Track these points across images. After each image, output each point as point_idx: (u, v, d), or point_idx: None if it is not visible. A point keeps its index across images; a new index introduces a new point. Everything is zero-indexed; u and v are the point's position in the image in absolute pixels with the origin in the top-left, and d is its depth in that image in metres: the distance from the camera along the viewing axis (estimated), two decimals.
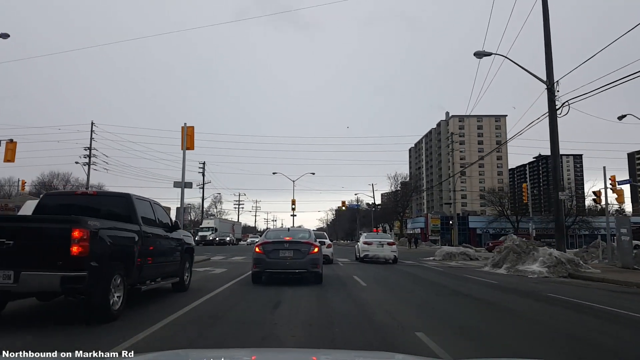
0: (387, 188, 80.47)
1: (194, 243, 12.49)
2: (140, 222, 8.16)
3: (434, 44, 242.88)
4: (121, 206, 8.27)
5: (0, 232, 6.22)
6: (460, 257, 29.03)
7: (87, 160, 58.33)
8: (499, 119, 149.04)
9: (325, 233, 24.80)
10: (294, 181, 63.36)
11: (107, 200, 8.88)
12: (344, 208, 63.91)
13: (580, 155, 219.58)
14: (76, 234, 6.19)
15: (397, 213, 73.47)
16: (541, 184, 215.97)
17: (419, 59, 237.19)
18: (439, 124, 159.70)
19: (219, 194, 78.39)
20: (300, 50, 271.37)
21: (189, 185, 20.18)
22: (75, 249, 6.16)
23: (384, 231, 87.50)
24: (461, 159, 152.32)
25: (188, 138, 19.94)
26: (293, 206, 61.09)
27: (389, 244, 24.62)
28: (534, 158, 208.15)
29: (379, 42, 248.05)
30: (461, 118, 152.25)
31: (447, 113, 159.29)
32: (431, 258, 29.26)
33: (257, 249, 12.50)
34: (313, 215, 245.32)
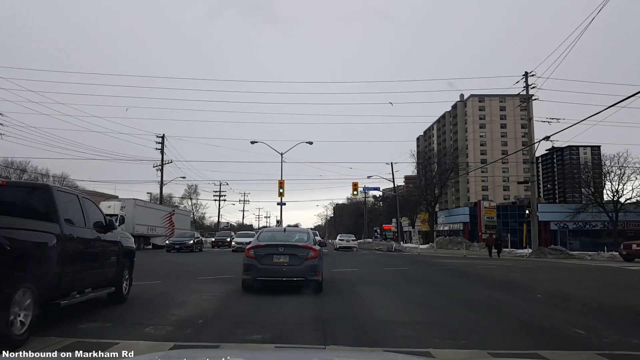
0: (388, 182, 60.77)
1: (134, 245, 9.79)
2: (61, 220, 6.45)
3: (435, 35, 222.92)
4: (38, 201, 6.64)
5: None
6: None
7: None
8: (525, 99, 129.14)
9: (317, 232, 24.65)
10: (282, 154, 43.24)
11: (20, 193, 7.02)
12: (355, 193, 44.44)
13: (599, 147, 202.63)
14: None
15: (428, 203, 53.61)
16: (556, 178, 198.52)
17: (422, 50, 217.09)
18: (454, 106, 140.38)
19: (184, 177, 57.10)
20: (288, 48, 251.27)
21: None
22: None
23: (400, 227, 68.32)
24: (481, 144, 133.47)
25: None
26: (281, 190, 40.92)
27: (352, 240, 42.08)
28: (546, 150, 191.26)
29: (370, 38, 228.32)
30: (481, 98, 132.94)
31: (462, 95, 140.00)
32: None
33: (248, 253, 10.40)
34: (311, 212, 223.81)
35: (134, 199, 34.61)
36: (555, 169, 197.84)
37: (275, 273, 10.02)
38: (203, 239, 50.91)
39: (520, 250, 37.89)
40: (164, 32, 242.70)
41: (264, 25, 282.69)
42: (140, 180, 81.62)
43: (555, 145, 35.69)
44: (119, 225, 32.39)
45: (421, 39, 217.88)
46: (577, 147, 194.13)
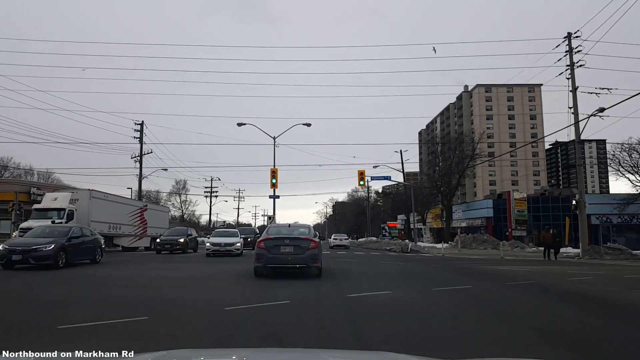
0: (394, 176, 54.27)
1: None
2: None
3: (437, 27, 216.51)
4: None
5: None
6: None
7: None
8: (533, 89, 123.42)
9: (316, 232, 17.26)
10: (274, 137, 36.67)
11: None
12: (362, 183, 38.24)
13: (604, 140, 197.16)
14: None
15: (443, 195, 46.93)
16: (560, 173, 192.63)
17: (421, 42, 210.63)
18: (459, 97, 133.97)
19: (165, 169, 50.45)
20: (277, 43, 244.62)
21: None
22: None
23: (408, 224, 62.54)
24: (488, 137, 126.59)
25: None
26: (273, 180, 34.33)
27: (345, 239, 46.98)
28: (550, 145, 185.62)
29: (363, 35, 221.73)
30: (488, 88, 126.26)
31: (466, 86, 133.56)
32: None
33: (259, 245, 12.52)
34: (310, 210, 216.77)
35: (89, 189, 27.69)
36: (560, 164, 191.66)
37: (282, 261, 12.23)
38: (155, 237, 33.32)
39: (564, 249, 31.26)
40: (154, 25, 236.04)
41: (256, 22, 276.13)
42: (122, 169, 74.62)
43: (603, 117, 28.81)
44: (66, 222, 25.67)
45: (423, 32, 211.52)
46: (583, 141, 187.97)
